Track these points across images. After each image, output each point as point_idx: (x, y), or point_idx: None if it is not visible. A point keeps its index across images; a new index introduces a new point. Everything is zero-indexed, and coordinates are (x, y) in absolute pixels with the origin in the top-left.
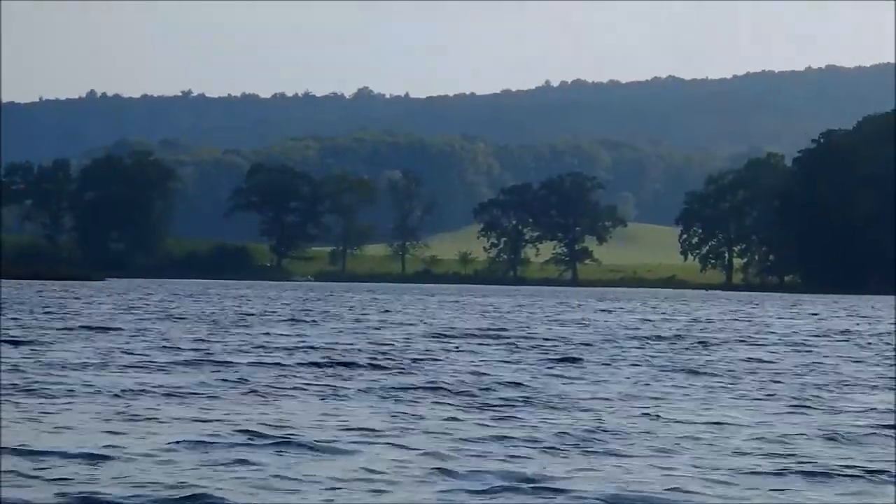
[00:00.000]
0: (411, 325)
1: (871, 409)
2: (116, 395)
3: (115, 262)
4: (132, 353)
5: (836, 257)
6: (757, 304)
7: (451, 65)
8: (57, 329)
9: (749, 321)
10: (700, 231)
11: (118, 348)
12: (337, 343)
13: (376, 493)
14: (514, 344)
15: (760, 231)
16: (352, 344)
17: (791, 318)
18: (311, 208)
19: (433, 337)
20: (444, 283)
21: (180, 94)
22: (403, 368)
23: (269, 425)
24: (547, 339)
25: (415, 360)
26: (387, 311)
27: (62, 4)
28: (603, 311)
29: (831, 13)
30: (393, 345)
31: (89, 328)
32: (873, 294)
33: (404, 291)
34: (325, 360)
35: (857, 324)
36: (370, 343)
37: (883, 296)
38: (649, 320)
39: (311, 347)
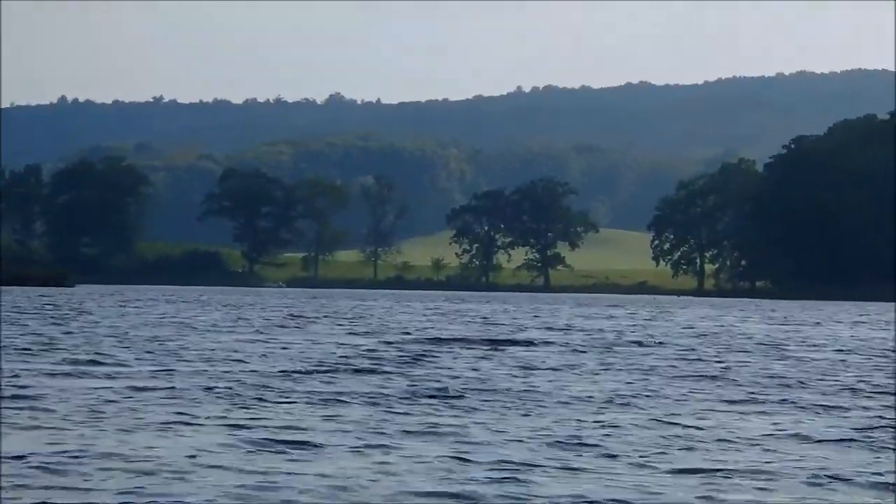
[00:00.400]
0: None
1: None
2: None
3: (88, 266)
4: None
5: (808, 263)
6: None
7: (422, 70)
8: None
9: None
10: (672, 236)
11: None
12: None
13: None
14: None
15: (732, 236)
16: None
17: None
18: (284, 213)
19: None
20: (417, 289)
21: (152, 99)
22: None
23: None
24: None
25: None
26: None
27: (34, 10)
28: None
29: (803, 18)
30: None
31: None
32: (846, 300)
33: (404, 298)
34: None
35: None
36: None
37: (861, 301)
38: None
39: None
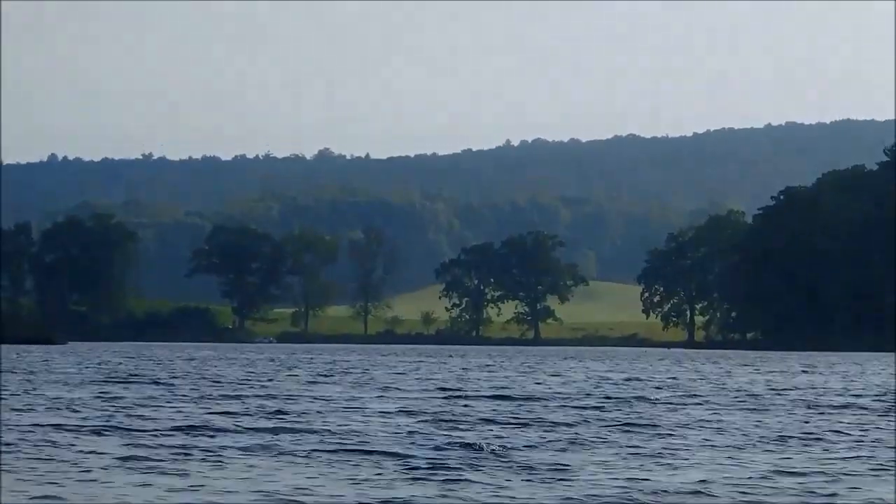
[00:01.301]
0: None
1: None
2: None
3: (77, 323)
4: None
5: (797, 314)
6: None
7: (410, 125)
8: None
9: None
10: (661, 289)
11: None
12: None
13: None
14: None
15: (721, 287)
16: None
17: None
18: (273, 268)
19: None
20: (407, 343)
21: (141, 157)
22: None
23: None
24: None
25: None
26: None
27: (21, 70)
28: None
29: (791, 68)
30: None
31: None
32: (835, 350)
33: (403, 352)
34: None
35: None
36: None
37: (851, 352)
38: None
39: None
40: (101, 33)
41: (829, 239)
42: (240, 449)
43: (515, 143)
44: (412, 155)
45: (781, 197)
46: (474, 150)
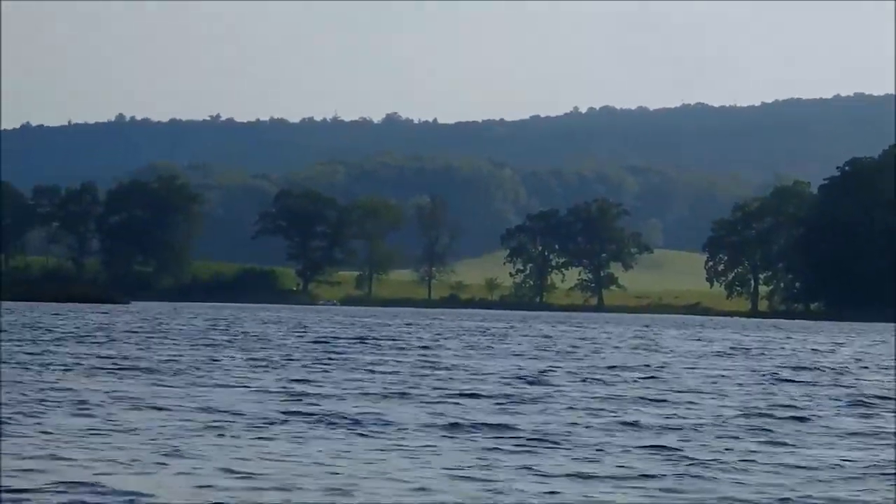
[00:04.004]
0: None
1: None
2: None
3: (141, 284)
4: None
5: (860, 285)
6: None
7: (479, 91)
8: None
9: None
10: (726, 258)
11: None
12: None
13: None
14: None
15: (786, 258)
16: None
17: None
18: (337, 233)
19: None
20: (471, 308)
21: (209, 118)
22: None
23: None
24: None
25: None
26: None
27: (93, 30)
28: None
29: (861, 40)
30: None
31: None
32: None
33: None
34: None
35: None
36: None
37: None
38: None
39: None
40: None
41: (894, 211)
42: None
43: (583, 110)
44: (480, 120)
45: (847, 168)
46: (542, 116)
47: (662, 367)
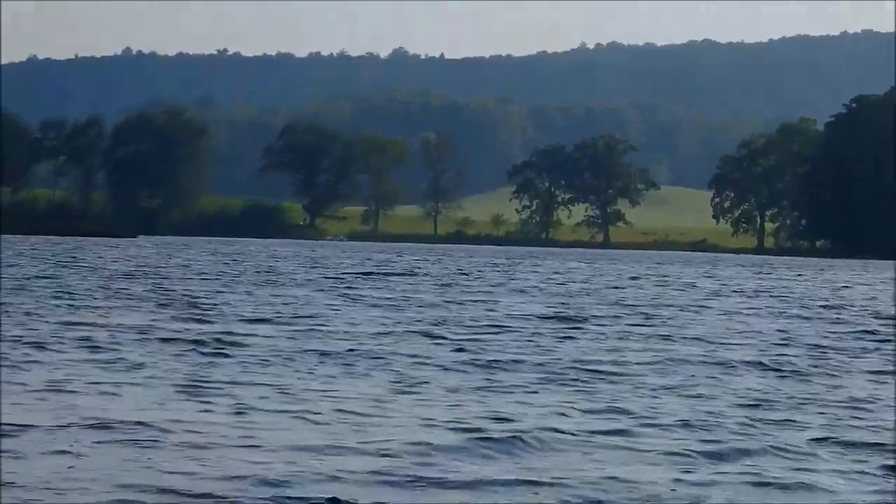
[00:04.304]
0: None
1: None
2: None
3: (147, 219)
4: None
5: (863, 221)
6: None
7: (486, 25)
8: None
9: None
10: (732, 195)
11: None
12: None
13: None
14: None
15: (792, 195)
16: None
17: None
18: (342, 168)
19: None
20: (477, 244)
21: (216, 52)
22: None
23: None
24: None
25: None
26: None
27: None
28: None
29: None
30: None
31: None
32: None
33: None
34: None
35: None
36: None
37: None
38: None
39: None
40: None
41: None
42: None
43: (591, 46)
44: (487, 56)
45: (854, 105)
46: (549, 52)
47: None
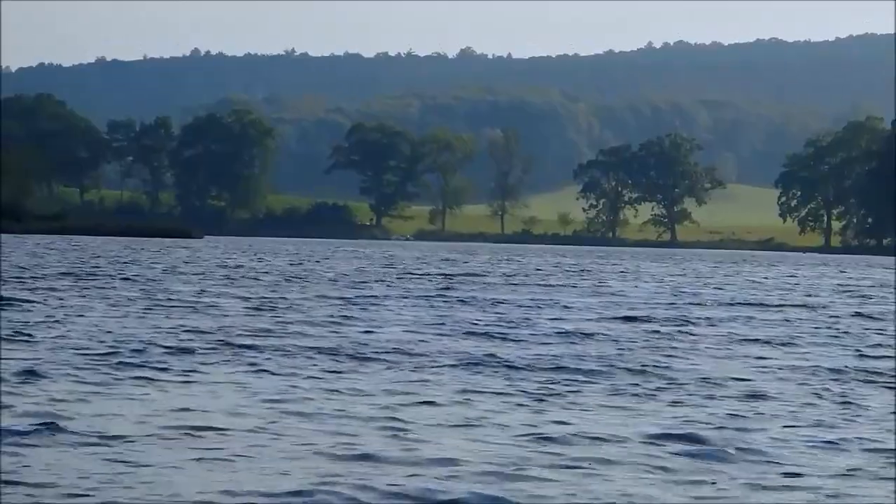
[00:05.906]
0: None
1: None
2: None
3: (215, 218)
4: None
5: None
6: None
7: (554, 25)
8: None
9: None
10: (799, 193)
11: None
12: None
13: None
14: None
15: (859, 193)
16: None
17: None
18: (411, 167)
19: None
20: (543, 243)
21: (283, 52)
22: None
23: None
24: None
25: None
26: None
27: None
28: None
29: None
30: None
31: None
32: None
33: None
34: None
35: None
36: None
37: None
38: None
39: None
40: None
41: None
42: None
43: (657, 45)
44: (554, 55)
45: None
46: (616, 51)
47: None
